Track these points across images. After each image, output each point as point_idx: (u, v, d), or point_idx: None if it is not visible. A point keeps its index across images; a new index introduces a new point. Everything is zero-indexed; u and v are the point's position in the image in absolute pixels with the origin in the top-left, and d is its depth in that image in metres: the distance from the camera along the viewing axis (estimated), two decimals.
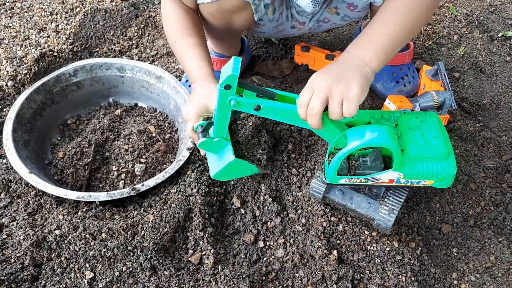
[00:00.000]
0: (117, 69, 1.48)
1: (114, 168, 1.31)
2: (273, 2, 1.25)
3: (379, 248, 1.13)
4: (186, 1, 1.22)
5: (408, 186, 1.04)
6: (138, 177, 1.29)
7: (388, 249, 1.13)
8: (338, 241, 1.14)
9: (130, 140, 1.33)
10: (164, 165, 1.33)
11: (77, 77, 1.45)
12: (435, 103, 1.40)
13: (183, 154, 1.27)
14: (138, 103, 1.52)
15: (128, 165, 1.30)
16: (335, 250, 1.12)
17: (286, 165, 1.28)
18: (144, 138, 1.36)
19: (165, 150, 1.35)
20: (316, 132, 1.02)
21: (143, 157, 1.32)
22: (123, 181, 1.29)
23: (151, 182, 1.21)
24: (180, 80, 1.53)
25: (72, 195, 1.17)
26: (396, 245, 1.14)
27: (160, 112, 1.48)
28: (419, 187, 1.04)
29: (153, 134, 1.37)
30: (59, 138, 1.41)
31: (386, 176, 1.00)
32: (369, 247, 1.14)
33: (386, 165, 1.02)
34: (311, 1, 1.21)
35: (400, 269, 1.10)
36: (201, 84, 1.16)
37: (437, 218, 1.24)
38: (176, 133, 1.43)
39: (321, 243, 1.12)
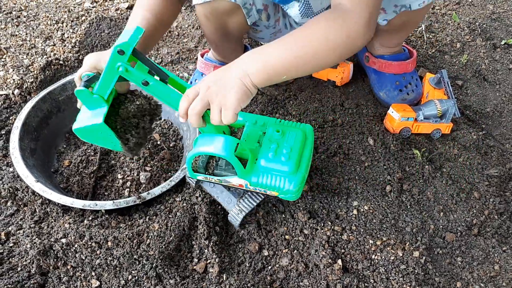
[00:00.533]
0: None
1: (119, 176, 1.32)
2: (266, 8, 1.27)
3: (383, 257, 1.14)
4: None
5: (257, 191, 1.10)
6: (143, 185, 1.30)
7: (392, 258, 1.13)
8: (343, 250, 1.15)
9: None
10: (169, 173, 1.34)
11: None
12: (438, 111, 1.41)
13: None
14: None
15: (133, 173, 1.31)
16: (340, 259, 1.12)
17: None
18: (149, 146, 1.36)
19: (170, 158, 1.36)
20: (199, 129, 1.06)
21: (148, 165, 1.33)
22: (128, 189, 1.30)
23: (156, 191, 1.22)
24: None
25: (78, 203, 1.18)
26: (401, 254, 1.14)
27: (164, 120, 1.49)
28: (268, 195, 1.11)
29: (158, 142, 1.38)
30: (65, 146, 1.43)
31: (235, 181, 1.08)
32: (373, 256, 1.14)
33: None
34: (299, 12, 1.23)
35: (405, 278, 1.10)
36: None
37: (441, 226, 1.25)
38: (180, 141, 1.44)
39: (325, 252, 1.12)
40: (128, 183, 1.30)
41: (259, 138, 1.10)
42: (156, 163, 1.33)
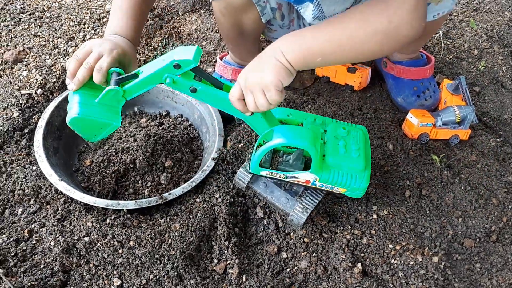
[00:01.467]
0: None
1: (139, 176, 1.33)
2: (280, 7, 1.28)
3: (402, 261, 1.14)
4: None
5: (322, 189, 1.12)
6: (163, 186, 1.31)
7: (411, 263, 1.14)
8: (362, 254, 1.16)
9: None
10: (189, 174, 1.35)
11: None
12: (457, 117, 1.41)
13: (208, 164, 1.29)
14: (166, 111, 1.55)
15: (153, 174, 1.33)
16: (359, 263, 1.13)
17: None
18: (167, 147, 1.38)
19: (192, 160, 1.38)
20: (249, 124, 1.07)
21: (169, 166, 1.34)
22: (148, 190, 1.31)
23: (177, 191, 1.23)
24: None
25: (101, 203, 1.19)
26: (420, 259, 1.14)
27: (185, 119, 1.51)
28: (333, 192, 1.12)
29: (178, 145, 1.40)
30: (85, 146, 1.44)
31: (303, 176, 1.08)
32: (393, 261, 1.15)
33: (306, 166, 1.08)
34: (312, 15, 1.24)
35: (424, 284, 1.11)
36: (131, 45, 1.11)
37: (459, 232, 1.25)
38: (200, 142, 1.45)
39: (345, 256, 1.13)
40: (149, 184, 1.32)
41: (321, 135, 1.11)
42: (176, 164, 1.35)
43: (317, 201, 1.16)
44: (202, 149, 1.44)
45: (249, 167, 1.13)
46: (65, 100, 1.39)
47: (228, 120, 1.47)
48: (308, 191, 1.17)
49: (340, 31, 0.94)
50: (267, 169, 1.10)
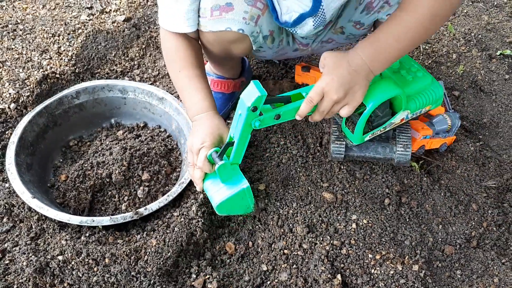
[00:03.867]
0: (119, 90, 1.48)
1: (116, 190, 1.31)
2: (271, 33, 1.26)
3: (383, 271, 1.13)
4: (187, 28, 1.18)
5: (413, 118, 1.23)
6: (141, 200, 1.29)
7: (392, 272, 1.13)
8: (342, 265, 1.14)
9: None
10: (167, 187, 1.33)
11: (80, 99, 1.46)
12: (449, 126, 1.40)
13: (185, 177, 1.27)
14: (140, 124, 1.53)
15: (130, 188, 1.30)
16: (339, 274, 1.11)
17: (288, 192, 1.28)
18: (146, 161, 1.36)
19: (170, 172, 1.36)
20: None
21: (146, 180, 1.32)
22: (126, 204, 1.29)
23: (154, 206, 1.21)
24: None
25: (75, 220, 1.17)
26: (400, 268, 1.13)
27: (163, 130, 1.49)
28: (421, 115, 1.25)
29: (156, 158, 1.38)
30: (61, 160, 1.42)
31: (399, 117, 1.19)
32: (373, 271, 1.14)
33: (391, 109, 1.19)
34: (313, 26, 1.21)
35: None
36: (208, 115, 1.18)
37: (439, 239, 1.24)
38: (178, 154, 1.43)
39: (325, 267, 1.12)
40: (126, 198, 1.29)
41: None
42: (153, 177, 1.32)
43: (410, 134, 1.27)
44: (181, 161, 1.42)
45: (350, 142, 1.22)
46: (38, 115, 1.37)
47: None
48: (397, 131, 1.28)
49: (417, 34, 1.05)
50: (369, 132, 1.18)
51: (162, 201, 1.22)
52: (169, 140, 1.47)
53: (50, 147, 1.41)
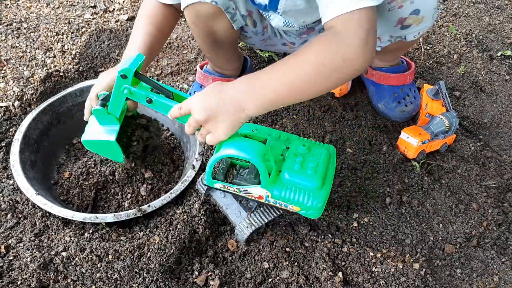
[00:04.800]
0: None
1: (119, 188, 1.32)
2: (250, 14, 1.29)
3: (383, 269, 1.14)
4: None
5: (276, 207, 1.08)
6: (144, 197, 1.30)
7: (392, 270, 1.14)
8: (343, 263, 1.15)
9: None
10: (170, 185, 1.34)
11: (83, 97, 1.46)
12: (447, 127, 1.41)
13: (188, 175, 1.28)
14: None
15: (133, 185, 1.31)
16: (340, 272, 1.12)
17: None
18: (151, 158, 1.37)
19: (172, 170, 1.37)
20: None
21: (149, 177, 1.33)
22: (128, 201, 1.30)
23: (157, 203, 1.22)
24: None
25: (78, 216, 1.18)
26: (401, 267, 1.14)
27: (167, 129, 1.50)
28: (288, 210, 1.08)
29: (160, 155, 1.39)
30: (64, 158, 1.43)
31: (255, 191, 1.06)
32: (373, 269, 1.14)
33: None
34: (282, 24, 1.24)
35: None
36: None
37: (440, 238, 1.25)
38: (181, 152, 1.44)
39: (326, 265, 1.13)
40: (129, 195, 1.30)
41: (283, 152, 1.09)
42: (156, 175, 1.33)
43: (266, 220, 1.13)
44: (183, 159, 1.43)
45: (204, 179, 1.12)
46: (42, 112, 1.38)
47: None
48: (261, 209, 1.14)
49: (300, 79, 0.94)
50: (220, 182, 1.08)
51: (165, 198, 1.23)
52: (172, 138, 1.48)
53: (53, 145, 1.42)
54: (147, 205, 1.21)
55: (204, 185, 1.15)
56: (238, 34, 1.38)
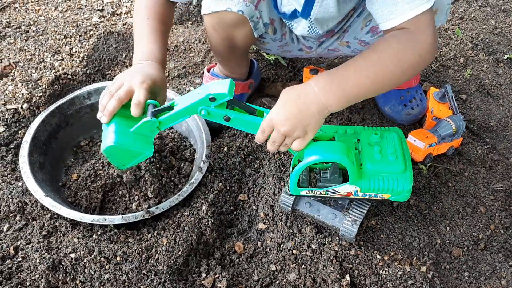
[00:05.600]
0: None
1: (127, 190, 1.32)
2: (272, 22, 1.29)
3: (391, 272, 1.14)
4: None
5: (366, 198, 1.09)
6: (151, 199, 1.31)
7: (400, 273, 1.14)
8: (351, 266, 1.15)
9: None
10: (177, 187, 1.34)
11: (91, 99, 1.48)
12: (454, 130, 1.41)
13: (195, 177, 1.29)
14: None
15: (141, 187, 1.32)
16: (348, 275, 1.12)
17: None
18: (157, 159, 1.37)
19: (180, 172, 1.37)
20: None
21: (156, 179, 1.34)
22: (136, 203, 1.30)
23: (165, 205, 1.22)
24: None
25: (87, 218, 1.18)
26: (408, 269, 1.14)
27: (175, 132, 1.51)
28: (377, 200, 1.10)
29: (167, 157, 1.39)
30: (72, 160, 1.44)
31: (344, 189, 1.07)
32: (381, 271, 1.14)
33: (345, 179, 1.07)
34: (307, 30, 1.25)
35: None
36: (157, 66, 1.12)
37: (447, 241, 1.25)
38: (190, 153, 1.45)
39: (333, 268, 1.13)
40: (136, 197, 1.31)
41: (355, 145, 1.11)
42: (164, 177, 1.34)
43: (365, 211, 1.14)
44: (191, 160, 1.43)
45: (288, 189, 1.12)
46: (51, 115, 1.39)
47: (216, 131, 1.47)
48: (354, 203, 1.16)
49: (381, 74, 1.01)
50: (306, 188, 1.09)
51: (173, 200, 1.23)
52: (179, 140, 1.49)
53: (61, 147, 1.43)
54: (155, 207, 1.22)
55: (290, 195, 1.16)
56: (254, 41, 1.38)
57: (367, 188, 1.05)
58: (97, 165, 1.35)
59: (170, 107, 1.04)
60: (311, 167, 1.12)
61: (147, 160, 1.33)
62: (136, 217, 1.20)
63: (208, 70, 1.59)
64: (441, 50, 1.86)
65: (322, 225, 1.20)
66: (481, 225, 1.29)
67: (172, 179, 1.34)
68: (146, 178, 1.30)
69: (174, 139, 1.47)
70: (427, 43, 1.02)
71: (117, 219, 1.19)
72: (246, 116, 1.04)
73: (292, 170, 1.08)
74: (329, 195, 1.10)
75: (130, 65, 1.70)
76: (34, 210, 1.24)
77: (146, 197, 1.30)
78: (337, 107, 1.02)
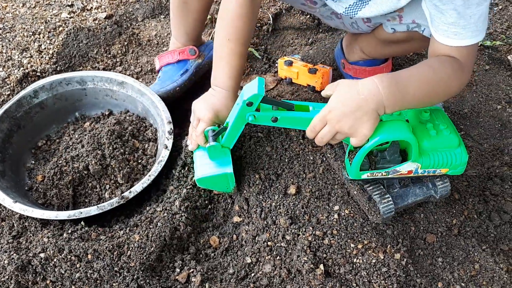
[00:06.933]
0: (77, 82, 1.46)
1: (96, 180, 1.30)
2: None
3: (365, 260, 1.14)
4: None
5: (425, 175, 1.13)
6: (123, 185, 1.29)
7: (374, 261, 1.14)
8: (325, 255, 1.15)
9: None
10: (146, 168, 1.33)
11: (39, 97, 1.43)
12: None
13: (162, 155, 1.27)
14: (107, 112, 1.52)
15: (110, 175, 1.30)
16: (322, 264, 1.12)
17: (272, 183, 1.29)
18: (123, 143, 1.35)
19: (146, 153, 1.36)
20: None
21: (124, 165, 1.32)
22: (108, 192, 1.29)
23: (138, 188, 1.21)
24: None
25: (63, 215, 1.16)
26: (382, 257, 1.15)
27: (129, 112, 1.50)
28: (435, 175, 1.15)
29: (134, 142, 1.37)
30: (33, 162, 1.40)
31: (406, 168, 1.10)
32: (355, 260, 1.14)
33: (402, 158, 1.11)
34: (345, 10, 1.22)
35: (386, 281, 1.11)
36: (226, 94, 1.21)
37: (421, 228, 1.26)
38: (152, 133, 1.43)
39: (307, 258, 1.12)
40: (107, 186, 1.29)
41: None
42: (131, 161, 1.32)
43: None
44: (154, 139, 1.41)
45: (347, 174, 1.14)
46: (0, 121, 1.35)
47: (173, 106, 1.45)
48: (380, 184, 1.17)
49: (432, 91, 1.06)
50: (368, 171, 1.11)
51: (145, 181, 1.22)
52: (138, 122, 1.45)
53: (19, 151, 1.39)
54: (128, 191, 1.20)
55: (349, 180, 1.18)
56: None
57: (427, 164, 1.09)
58: (60, 162, 1.32)
59: (225, 128, 1.13)
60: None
61: (110, 147, 1.31)
62: (112, 204, 1.18)
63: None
64: None
65: (414, 204, 1.22)
66: (454, 211, 1.30)
67: (140, 161, 1.32)
68: (113, 165, 1.28)
69: (132, 122, 1.44)
70: (467, 77, 1.09)
71: (93, 210, 1.17)
72: (293, 113, 1.07)
73: (349, 156, 1.10)
74: (389, 176, 1.12)
75: (102, 61, 1.67)
76: (3, 211, 1.22)
77: (118, 184, 1.29)
78: (391, 110, 1.02)
